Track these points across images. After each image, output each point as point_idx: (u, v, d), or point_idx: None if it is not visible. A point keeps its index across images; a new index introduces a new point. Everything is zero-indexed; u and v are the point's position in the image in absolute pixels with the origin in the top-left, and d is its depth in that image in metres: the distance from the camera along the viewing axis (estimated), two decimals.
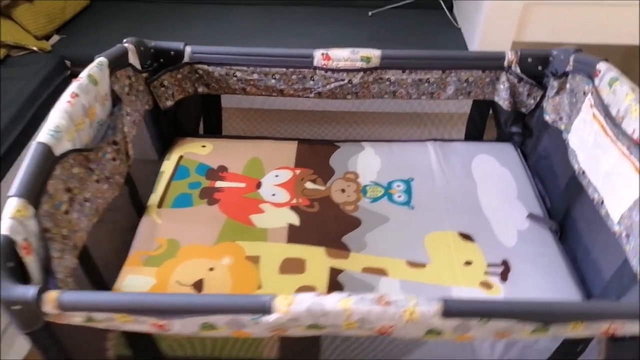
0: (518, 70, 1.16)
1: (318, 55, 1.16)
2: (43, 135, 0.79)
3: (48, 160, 0.78)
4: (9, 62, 1.52)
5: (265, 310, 0.67)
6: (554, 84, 1.12)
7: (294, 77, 1.19)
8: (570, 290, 0.99)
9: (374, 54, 1.15)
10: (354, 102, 1.26)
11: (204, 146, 1.29)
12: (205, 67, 1.18)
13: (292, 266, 1.02)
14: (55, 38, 1.65)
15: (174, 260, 1.02)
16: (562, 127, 1.12)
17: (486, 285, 1.00)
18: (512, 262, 1.04)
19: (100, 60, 0.97)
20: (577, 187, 1.05)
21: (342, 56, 1.15)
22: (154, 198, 1.15)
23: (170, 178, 1.20)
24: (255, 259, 1.03)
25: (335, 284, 0.99)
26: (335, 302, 0.67)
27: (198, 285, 0.97)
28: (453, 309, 0.67)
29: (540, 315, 0.68)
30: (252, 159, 1.26)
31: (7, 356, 1.28)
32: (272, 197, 1.17)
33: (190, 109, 1.27)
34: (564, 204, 1.12)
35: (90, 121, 0.90)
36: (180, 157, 1.25)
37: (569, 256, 1.07)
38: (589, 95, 1.00)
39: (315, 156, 1.27)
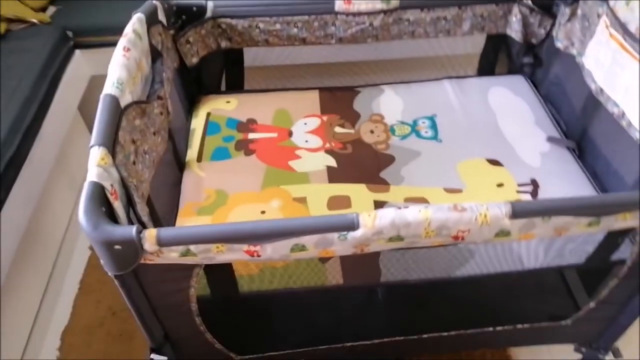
0: (529, 2, 1.21)
1: (339, 0, 1.18)
2: (109, 87, 0.81)
3: (117, 111, 0.80)
4: (11, 36, 1.49)
5: (353, 226, 0.72)
6: (565, 10, 1.18)
7: (315, 23, 1.22)
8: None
9: None
10: (371, 48, 1.30)
11: (228, 102, 1.31)
12: (229, 20, 1.19)
13: (339, 203, 1.07)
14: (52, 9, 1.62)
15: (225, 208, 1.06)
16: (575, 52, 1.19)
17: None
18: (540, 180, 1.12)
19: (139, 16, 0.97)
20: (594, 106, 1.13)
21: None
22: (192, 153, 1.18)
23: (204, 133, 1.22)
24: (302, 200, 1.08)
25: None
26: (416, 212, 0.73)
27: None
28: (520, 210, 0.74)
29: (595, 208, 0.76)
30: (278, 109, 1.29)
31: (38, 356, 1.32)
32: (305, 143, 1.21)
33: (213, 66, 1.29)
34: (580, 125, 1.20)
35: (141, 74, 0.92)
36: (209, 114, 1.27)
37: (588, 171, 1.15)
38: (604, 17, 1.07)
39: (339, 102, 1.31)
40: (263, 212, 1.06)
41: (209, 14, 1.17)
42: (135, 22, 0.96)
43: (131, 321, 0.94)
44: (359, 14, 1.20)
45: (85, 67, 1.60)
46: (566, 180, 1.11)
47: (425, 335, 1.04)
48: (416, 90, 1.34)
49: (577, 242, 1.05)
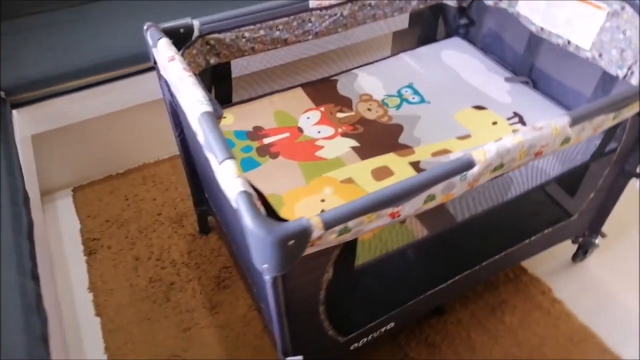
0: None
1: None
2: (201, 106, 0.80)
3: (218, 124, 0.80)
4: None
5: (470, 165, 0.83)
6: None
7: (294, 23, 1.28)
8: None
9: None
10: (338, 38, 1.41)
11: (224, 117, 1.31)
12: (216, 35, 1.20)
13: (382, 173, 1.16)
14: None
15: (286, 207, 1.09)
16: (505, 5, 1.43)
17: (516, 131, 1.27)
18: (519, 112, 1.33)
19: (165, 39, 0.96)
20: (537, 44, 1.38)
21: None
22: None
23: None
24: (349, 181, 1.15)
25: (421, 171, 1.16)
26: (511, 139, 0.86)
27: None
28: (576, 118, 0.91)
29: (618, 103, 0.96)
30: (276, 112, 1.33)
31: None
32: (318, 134, 1.28)
33: (203, 84, 1.28)
34: (527, 62, 1.44)
35: None
36: None
37: (547, 96, 1.40)
38: None
39: (325, 93, 1.40)
40: (323, 201, 1.10)
41: (196, 32, 1.17)
42: (167, 44, 0.94)
43: None
44: (331, 6, 1.30)
45: (25, 128, 1.45)
46: (537, 107, 1.34)
47: (468, 271, 1.18)
48: (383, 68, 1.48)
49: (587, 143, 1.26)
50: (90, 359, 1.28)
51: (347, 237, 0.78)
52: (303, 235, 0.72)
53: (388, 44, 1.58)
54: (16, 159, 1.13)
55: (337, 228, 0.75)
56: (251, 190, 0.73)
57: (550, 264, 1.49)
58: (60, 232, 1.57)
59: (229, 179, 0.73)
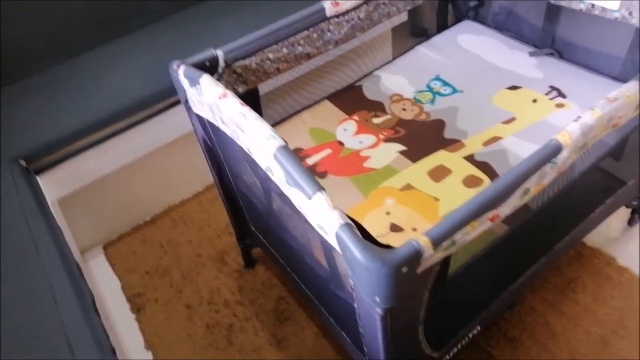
0: None
1: (328, 5, 1.22)
2: (274, 141, 0.75)
3: None
4: None
5: (558, 150, 0.79)
6: None
7: (314, 35, 1.23)
8: (606, 77, 1.29)
9: None
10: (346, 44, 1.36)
11: None
12: (242, 62, 1.14)
13: (440, 173, 1.12)
14: None
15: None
16: None
17: (560, 105, 1.24)
18: (555, 85, 1.30)
19: (206, 76, 0.90)
20: (557, 12, 1.35)
21: None
22: None
23: None
24: (408, 187, 1.10)
25: (480, 165, 1.12)
26: (590, 115, 0.82)
27: (395, 228, 1.02)
28: None
29: None
30: (311, 129, 1.28)
31: None
32: (360, 144, 1.23)
33: None
34: (548, 34, 1.41)
35: None
36: None
37: (575, 64, 1.37)
38: None
39: (353, 101, 1.35)
40: (388, 214, 1.05)
41: (222, 62, 1.12)
42: (212, 80, 0.89)
43: None
44: (347, 11, 1.25)
45: (50, 193, 1.37)
46: (571, 77, 1.31)
47: (543, 259, 1.14)
48: (404, 65, 1.44)
49: None
50: None
51: (452, 250, 0.74)
52: (415, 259, 0.67)
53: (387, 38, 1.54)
54: (58, 230, 1.06)
55: (445, 244, 0.71)
56: (349, 221, 0.68)
57: (606, 233, 1.45)
58: (101, 292, 1.50)
59: (324, 213, 0.68)
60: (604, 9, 1.24)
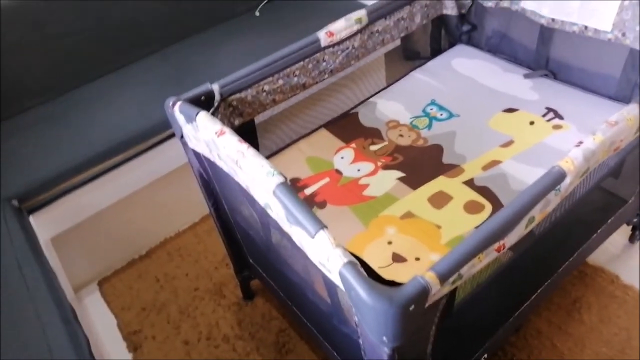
0: None
1: (322, 36, 1.22)
2: (273, 178, 0.73)
3: None
4: None
5: (562, 177, 0.77)
6: None
7: (310, 65, 1.23)
8: (602, 97, 1.28)
9: (361, 13, 1.26)
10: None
11: None
12: (237, 95, 1.13)
13: (440, 199, 1.10)
14: None
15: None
16: (507, 4, 1.41)
17: (557, 127, 1.24)
18: (552, 106, 1.29)
19: (204, 112, 0.89)
20: (550, 35, 1.35)
21: (341, 27, 1.23)
22: None
23: None
24: (409, 214, 1.08)
25: (480, 189, 1.11)
26: (592, 141, 0.81)
27: (398, 258, 0.99)
28: None
29: None
30: (308, 158, 1.27)
31: None
32: (358, 172, 1.21)
33: None
34: (541, 56, 1.41)
35: None
36: None
37: (570, 85, 1.37)
38: None
39: (350, 128, 1.34)
40: (390, 243, 1.03)
41: (217, 96, 1.11)
42: (209, 117, 0.87)
43: None
44: (341, 41, 1.25)
45: (43, 232, 1.34)
46: (567, 98, 1.31)
47: (548, 281, 1.12)
48: (399, 91, 1.43)
49: None
50: None
51: (459, 283, 0.72)
52: (422, 296, 0.64)
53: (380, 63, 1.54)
54: (52, 273, 1.04)
55: (452, 278, 0.69)
56: (353, 259, 0.66)
57: (608, 250, 1.44)
58: (96, 331, 1.46)
59: (327, 251, 0.66)
60: (596, 31, 1.24)
